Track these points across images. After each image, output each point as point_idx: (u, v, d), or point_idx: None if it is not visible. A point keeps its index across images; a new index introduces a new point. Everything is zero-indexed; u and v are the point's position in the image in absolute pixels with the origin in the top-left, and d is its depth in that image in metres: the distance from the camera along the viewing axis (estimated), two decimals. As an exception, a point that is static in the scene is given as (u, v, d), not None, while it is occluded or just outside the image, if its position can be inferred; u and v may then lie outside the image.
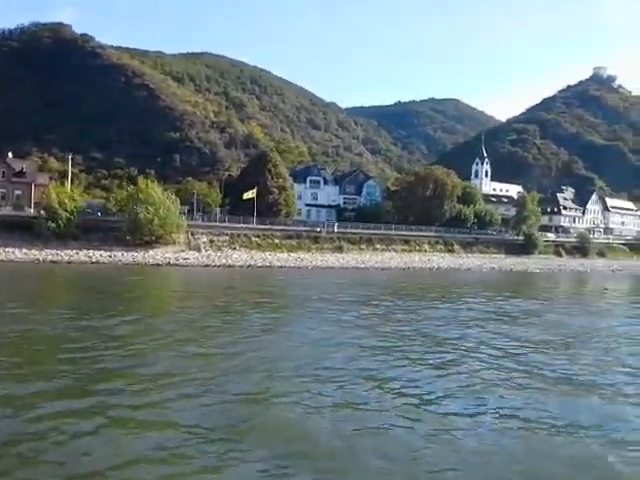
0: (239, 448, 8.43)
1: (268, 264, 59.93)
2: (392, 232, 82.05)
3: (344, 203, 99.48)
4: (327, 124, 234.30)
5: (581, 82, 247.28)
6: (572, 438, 9.40)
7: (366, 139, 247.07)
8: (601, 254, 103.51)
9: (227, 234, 68.64)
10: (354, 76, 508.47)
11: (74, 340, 15.92)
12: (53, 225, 56.35)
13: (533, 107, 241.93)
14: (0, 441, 8.50)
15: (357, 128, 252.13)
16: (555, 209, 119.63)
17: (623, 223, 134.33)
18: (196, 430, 9.09)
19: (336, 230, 78.20)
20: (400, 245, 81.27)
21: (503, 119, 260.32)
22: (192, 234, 65.92)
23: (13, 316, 19.84)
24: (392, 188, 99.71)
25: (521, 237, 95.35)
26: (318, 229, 77.44)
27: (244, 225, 70.45)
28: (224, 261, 59.01)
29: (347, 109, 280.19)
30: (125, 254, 56.59)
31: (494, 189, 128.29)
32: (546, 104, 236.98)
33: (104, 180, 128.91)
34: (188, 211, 71.52)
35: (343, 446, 8.63)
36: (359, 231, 79.73)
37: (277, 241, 71.55)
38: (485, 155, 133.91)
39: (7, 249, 52.54)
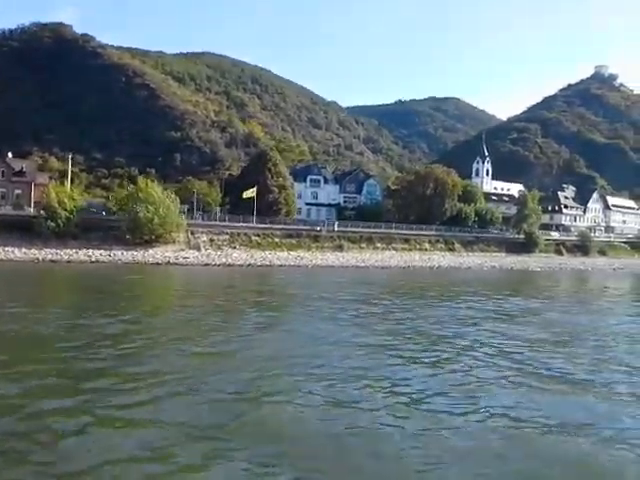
0: (226, 447, 8.37)
1: (268, 263, 59.88)
2: (392, 231, 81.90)
3: (344, 202, 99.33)
4: (328, 123, 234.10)
5: (582, 80, 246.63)
6: (562, 437, 9.33)
7: (367, 138, 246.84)
8: (602, 253, 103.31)
9: (227, 233, 68.57)
10: (355, 75, 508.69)
11: (68, 339, 15.89)
12: (52, 224, 56.29)
13: (534, 106, 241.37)
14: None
15: (358, 127, 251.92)
16: (556, 208, 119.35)
17: (624, 221, 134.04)
18: (184, 429, 9.04)
19: (336, 229, 78.08)
20: (400, 244, 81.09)
21: (504, 118, 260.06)
22: (192, 233, 65.85)
23: (9, 315, 19.81)
24: (392, 187, 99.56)
25: (522, 236, 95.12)
26: (318, 228, 77.33)
27: (244, 224, 70.36)
28: (224, 260, 58.96)
29: (348, 108, 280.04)
30: (125, 253, 56.56)
31: (495, 188, 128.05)
32: (547, 103, 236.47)
33: (105, 179, 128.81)
34: (188, 210, 71.45)
35: (331, 445, 8.58)
36: (359, 230, 79.58)
37: (277, 240, 71.45)
38: (486, 154, 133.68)
39: (7, 248, 52.48)
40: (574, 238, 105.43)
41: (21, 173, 67.63)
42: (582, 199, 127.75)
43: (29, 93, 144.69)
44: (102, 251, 56.06)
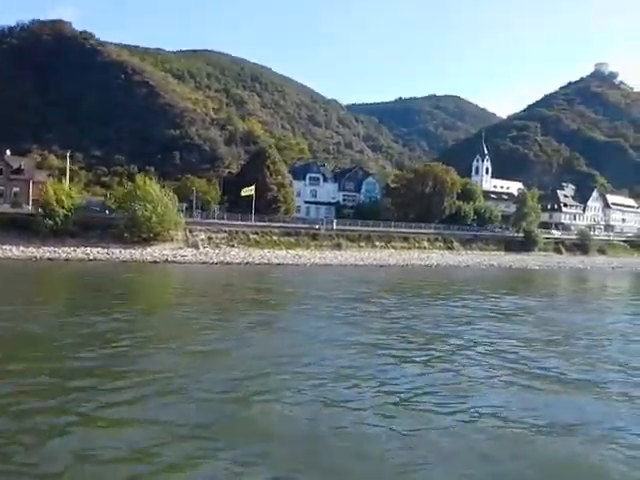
0: (211, 446, 8.34)
1: (266, 261, 59.80)
2: (391, 229, 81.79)
3: (343, 200, 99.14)
4: (328, 121, 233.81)
5: (582, 78, 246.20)
6: (551, 437, 9.27)
7: (367, 136, 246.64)
8: (601, 251, 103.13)
9: (225, 231, 68.44)
10: (355, 73, 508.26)
11: (59, 338, 15.86)
12: (50, 222, 56.17)
13: (534, 104, 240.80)
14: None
15: (358, 125, 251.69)
16: (555, 206, 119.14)
17: (624, 220, 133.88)
18: (170, 428, 9.01)
19: (335, 227, 77.96)
20: (399, 242, 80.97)
21: (504, 116, 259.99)
22: (190, 231, 65.73)
23: (2, 314, 19.74)
24: (392, 185, 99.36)
25: (521, 234, 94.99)
26: (317, 226, 77.22)
27: (242, 222, 70.24)
28: (222, 258, 58.87)
29: (348, 106, 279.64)
30: (123, 251, 56.45)
31: (495, 186, 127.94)
32: (547, 101, 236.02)
33: (104, 177, 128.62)
34: (186, 208, 71.31)
35: (316, 445, 8.55)
36: (358, 228, 79.48)
37: (275, 238, 71.32)
38: (486, 152, 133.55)
39: (4, 246, 52.35)
40: (573, 237, 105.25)
41: (19, 171, 67.50)
42: (582, 197, 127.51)
43: (28, 90, 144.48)
44: (100, 249, 55.97)
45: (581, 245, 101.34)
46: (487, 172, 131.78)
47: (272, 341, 16.81)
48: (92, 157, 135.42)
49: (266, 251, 66.19)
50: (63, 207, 57.98)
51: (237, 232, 69.11)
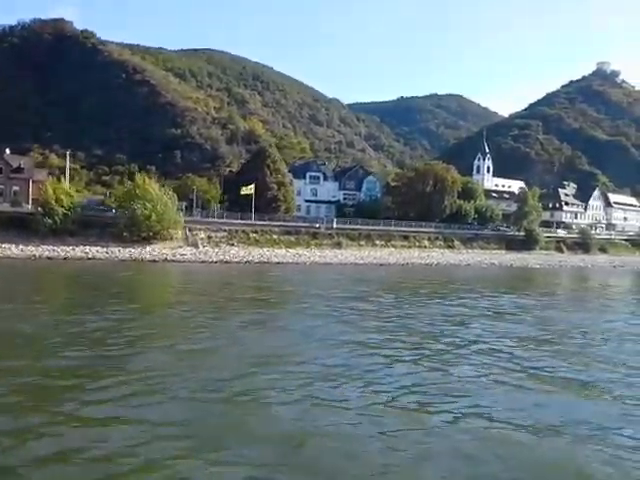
0: (190, 446, 8.26)
1: (266, 260, 59.76)
2: (391, 228, 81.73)
3: (344, 199, 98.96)
4: (329, 120, 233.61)
5: (584, 77, 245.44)
6: (538, 437, 9.15)
7: (368, 135, 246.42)
8: (603, 250, 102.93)
9: (225, 230, 68.42)
10: (356, 72, 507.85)
11: (49, 337, 15.78)
12: (49, 221, 56.24)
13: (536, 102, 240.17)
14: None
15: (359, 124, 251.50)
16: (557, 205, 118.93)
17: (625, 219, 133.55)
18: (150, 427, 8.93)
19: (335, 226, 77.89)
20: (399, 241, 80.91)
21: (506, 114, 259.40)
22: (190, 230, 65.72)
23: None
24: (392, 184, 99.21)
25: (522, 233, 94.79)
26: (317, 225, 77.16)
27: (242, 221, 70.24)
28: (221, 257, 58.86)
29: (349, 105, 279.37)
30: (122, 250, 56.46)
31: (496, 185, 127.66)
32: (549, 99, 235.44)
33: (105, 176, 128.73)
34: (186, 207, 71.31)
35: (299, 445, 8.45)
36: (358, 227, 79.41)
37: (275, 237, 71.27)
38: (487, 151, 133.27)
39: (4, 245, 52.39)
40: (575, 235, 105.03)
41: (19, 170, 67.50)
42: (583, 196, 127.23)
43: (29, 90, 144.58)
44: (99, 248, 55.99)
45: (582, 244, 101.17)
46: (488, 171, 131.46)
47: (265, 340, 16.69)
48: (93, 156, 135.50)
49: (266, 250, 66.15)
50: (62, 206, 58.02)
51: (237, 231, 69.09)
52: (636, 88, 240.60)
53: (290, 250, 67.83)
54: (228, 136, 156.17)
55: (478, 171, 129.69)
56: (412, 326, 20.25)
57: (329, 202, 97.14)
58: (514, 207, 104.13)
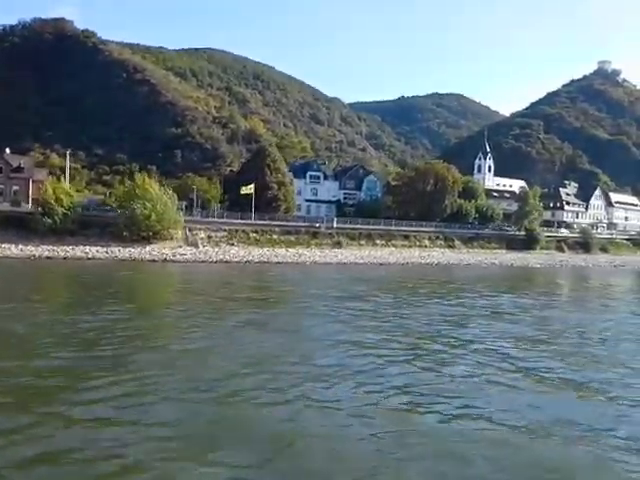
0: (177, 447, 8.20)
1: (266, 260, 59.70)
2: (392, 227, 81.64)
3: (344, 198, 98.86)
4: (330, 119, 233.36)
5: (585, 76, 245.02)
6: (528, 438, 9.06)
7: (369, 134, 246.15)
8: (604, 250, 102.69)
9: (225, 230, 68.40)
10: (357, 72, 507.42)
11: (41, 336, 15.74)
12: (49, 221, 56.28)
13: (537, 102, 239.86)
14: None
15: (360, 123, 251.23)
16: (558, 204, 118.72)
17: (627, 218, 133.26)
18: (138, 428, 8.88)
19: (335, 226, 77.81)
20: (400, 240, 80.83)
21: (507, 114, 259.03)
22: (190, 230, 65.70)
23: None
24: (393, 183, 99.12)
25: (523, 232, 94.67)
26: (317, 225, 77.07)
27: (242, 221, 70.20)
28: (221, 257, 58.84)
29: (350, 104, 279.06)
30: (122, 250, 56.46)
31: (497, 184, 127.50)
32: (550, 98, 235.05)
33: (106, 176, 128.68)
34: (186, 207, 71.29)
35: (288, 446, 8.38)
36: (358, 226, 79.33)
37: (275, 237, 71.22)
38: (488, 150, 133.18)
39: (3, 245, 52.40)
40: (576, 235, 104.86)
41: (19, 169, 67.44)
42: (584, 195, 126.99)
43: (30, 89, 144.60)
44: (99, 248, 55.99)
45: (583, 243, 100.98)
46: (489, 170, 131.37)
47: (260, 340, 16.59)
48: (94, 156, 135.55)
49: (266, 250, 66.10)
50: (62, 206, 58.04)
51: (237, 231, 69.06)
52: (637, 87, 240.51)
53: (290, 250, 67.77)
54: (229, 135, 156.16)
55: (479, 170, 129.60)
56: (409, 326, 20.18)
57: (329, 202, 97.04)
58: (515, 207, 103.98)
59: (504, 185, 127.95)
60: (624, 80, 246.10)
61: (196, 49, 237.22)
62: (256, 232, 70.24)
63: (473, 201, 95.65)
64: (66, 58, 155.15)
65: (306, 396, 10.82)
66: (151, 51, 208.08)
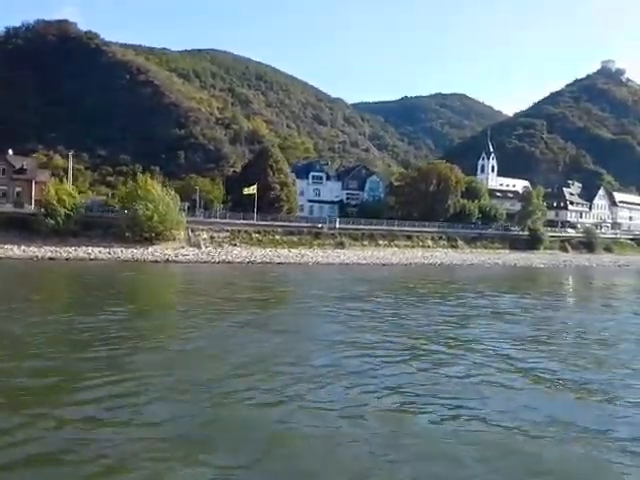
0: (167, 447, 8.13)
1: (268, 260, 59.67)
2: (395, 228, 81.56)
3: (347, 199, 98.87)
4: (333, 120, 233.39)
5: (589, 76, 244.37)
6: (522, 439, 8.94)
7: (373, 135, 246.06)
8: (608, 249, 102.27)
9: (227, 230, 68.45)
10: (360, 72, 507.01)
11: (35, 336, 15.65)
12: (52, 222, 56.45)
13: (540, 101, 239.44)
14: None
15: (364, 124, 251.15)
16: (561, 204, 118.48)
17: (631, 218, 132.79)
18: (126, 428, 8.81)
19: (338, 226, 77.78)
20: (403, 241, 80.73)
21: (510, 113, 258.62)
22: (192, 230, 65.77)
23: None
24: (396, 183, 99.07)
25: (526, 232, 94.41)
26: (319, 225, 77.06)
27: (244, 221, 70.25)
28: (224, 257, 58.86)
29: (353, 105, 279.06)
30: (124, 251, 56.54)
31: (501, 184, 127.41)
32: (553, 98, 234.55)
33: (109, 177, 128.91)
34: (189, 208, 71.40)
35: (278, 447, 8.31)
36: (361, 227, 79.28)
37: (278, 237, 71.23)
38: (491, 150, 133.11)
39: (6, 246, 52.52)
40: (579, 235, 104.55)
41: (22, 171, 67.61)
42: (588, 195, 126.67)
43: (33, 91, 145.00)
44: (101, 249, 56.08)
45: (587, 243, 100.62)
46: (493, 170, 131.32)
47: (258, 341, 16.49)
48: (97, 157, 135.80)
49: (268, 250, 66.10)
50: (65, 207, 58.19)
51: (239, 231, 69.11)
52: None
53: (293, 250, 67.76)
54: (232, 136, 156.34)
55: (482, 170, 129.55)
56: (409, 326, 20.08)
57: (332, 202, 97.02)
58: (518, 206, 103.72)
59: (507, 185, 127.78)
60: (628, 79, 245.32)
61: (199, 50, 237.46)
62: (258, 233, 70.26)
63: (476, 201, 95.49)
64: (69, 59, 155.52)
65: (300, 397, 10.74)
66: (154, 52, 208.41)
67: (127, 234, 58.99)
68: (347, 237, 76.39)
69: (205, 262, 55.70)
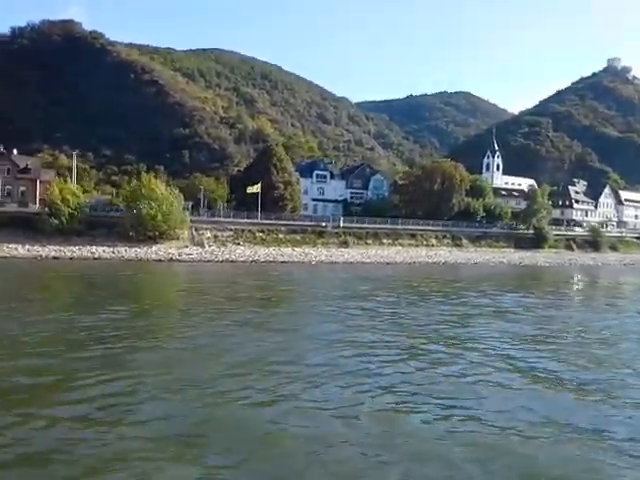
0: (158, 447, 8.08)
1: (272, 259, 59.71)
2: (399, 226, 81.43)
3: (351, 198, 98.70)
4: (338, 119, 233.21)
5: (595, 74, 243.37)
6: (518, 440, 8.83)
7: (377, 133, 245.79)
8: (614, 248, 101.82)
9: (231, 229, 68.53)
10: (365, 71, 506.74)
11: (31, 336, 15.60)
12: (56, 221, 56.69)
13: (546, 99, 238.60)
14: None
15: (368, 122, 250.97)
16: (567, 202, 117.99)
17: (637, 216, 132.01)
18: (121, 428, 8.77)
19: (342, 225, 77.72)
20: (407, 240, 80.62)
21: (516, 112, 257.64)
22: (196, 230, 65.90)
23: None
24: (400, 182, 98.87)
25: (531, 231, 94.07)
26: (323, 224, 77.01)
27: (248, 220, 70.30)
28: (227, 256, 58.96)
29: (358, 103, 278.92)
30: (128, 250, 56.69)
31: (506, 183, 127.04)
32: (559, 96, 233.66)
33: (114, 176, 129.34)
34: (193, 206, 71.49)
35: (270, 448, 8.24)
36: (365, 226, 79.20)
37: (282, 236, 71.23)
38: (496, 148, 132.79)
39: (10, 245, 52.75)
40: (585, 233, 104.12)
41: (26, 170, 67.95)
42: (594, 193, 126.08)
43: (39, 91, 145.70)
44: (105, 248, 56.24)
45: (593, 242, 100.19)
46: (498, 169, 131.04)
47: (257, 340, 16.40)
48: (102, 156, 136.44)
49: (272, 249, 66.14)
50: (69, 206, 58.37)
51: (243, 230, 69.17)
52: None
53: (296, 249, 67.76)
54: (236, 135, 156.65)
55: (487, 169, 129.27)
56: (409, 325, 19.98)
57: (336, 201, 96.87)
58: (523, 205, 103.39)
59: (513, 183, 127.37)
60: (634, 77, 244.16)
61: (204, 50, 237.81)
62: (262, 231, 70.30)
63: (481, 200, 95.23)
64: (74, 59, 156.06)
65: (294, 396, 10.65)
66: (159, 52, 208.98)
67: (131, 233, 59.15)
68: (351, 236, 76.32)
69: (209, 261, 55.77)
